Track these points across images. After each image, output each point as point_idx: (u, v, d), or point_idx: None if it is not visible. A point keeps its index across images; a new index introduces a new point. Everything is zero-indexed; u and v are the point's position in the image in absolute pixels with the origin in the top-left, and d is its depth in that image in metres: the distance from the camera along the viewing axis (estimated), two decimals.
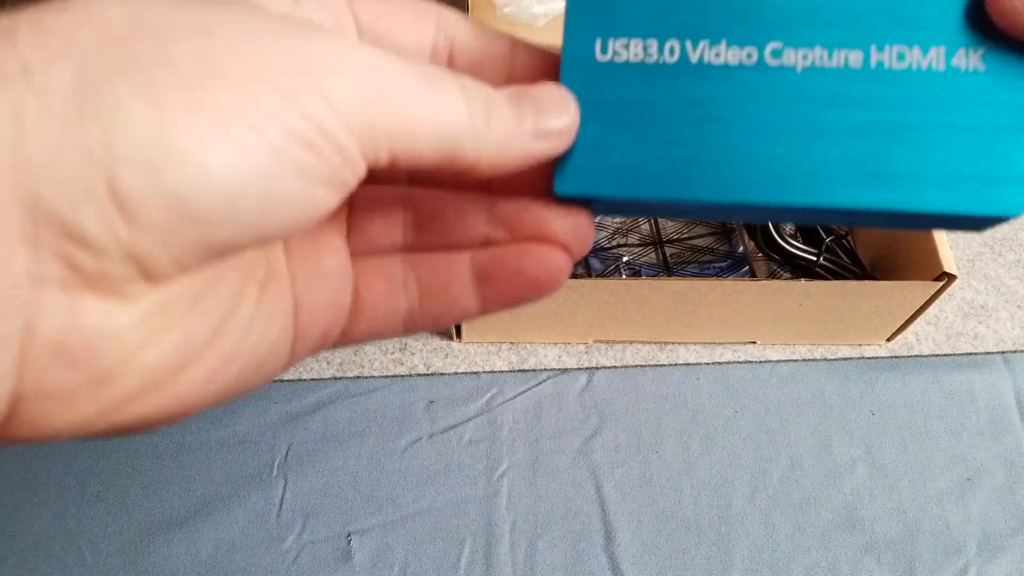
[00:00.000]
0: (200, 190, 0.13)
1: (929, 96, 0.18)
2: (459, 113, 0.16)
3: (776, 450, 0.40)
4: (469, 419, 0.40)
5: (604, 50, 0.19)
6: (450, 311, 0.20)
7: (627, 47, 0.19)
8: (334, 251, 0.20)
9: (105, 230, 0.13)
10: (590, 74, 0.19)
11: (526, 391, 0.41)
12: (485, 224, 0.21)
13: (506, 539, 0.37)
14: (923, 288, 0.37)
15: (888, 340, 0.42)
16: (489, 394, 0.41)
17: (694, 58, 0.19)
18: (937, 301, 0.38)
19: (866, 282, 0.37)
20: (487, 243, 0.21)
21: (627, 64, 0.19)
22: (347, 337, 0.20)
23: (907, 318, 0.40)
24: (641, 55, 0.19)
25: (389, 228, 0.21)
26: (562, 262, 0.20)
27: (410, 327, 0.20)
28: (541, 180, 0.19)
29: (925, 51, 0.18)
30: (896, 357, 0.42)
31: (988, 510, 0.39)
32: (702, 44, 0.19)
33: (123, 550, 0.37)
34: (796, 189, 0.18)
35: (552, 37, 0.42)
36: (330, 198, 0.15)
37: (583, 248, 0.20)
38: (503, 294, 0.20)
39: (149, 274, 0.14)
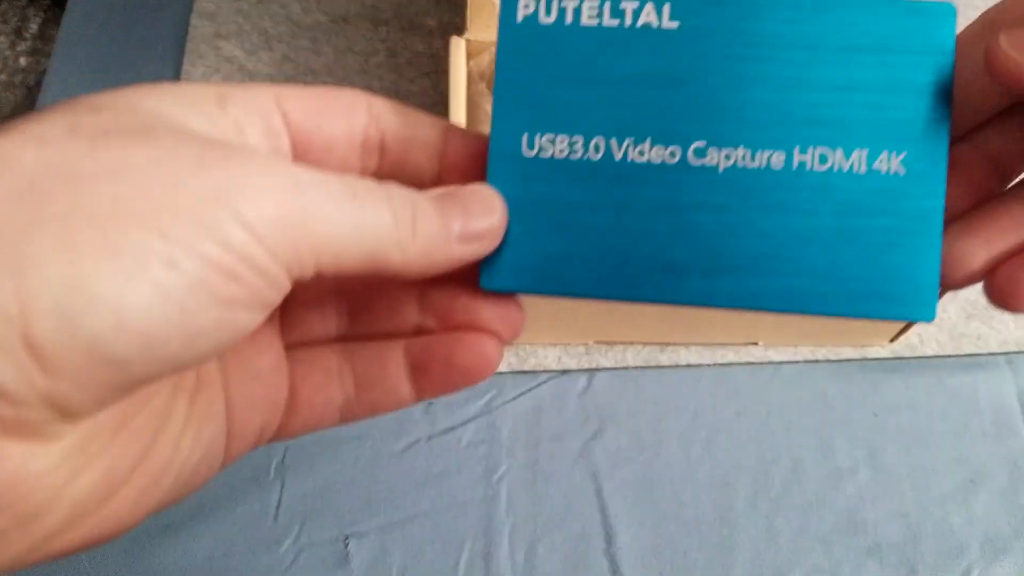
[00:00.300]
0: (117, 335, 0.13)
1: (849, 199, 0.18)
2: (385, 223, 0.16)
3: (778, 452, 0.39)
4: (468, 421, 0.40)
5: (531, 145, 0.19)
6: (385, 401, 0.20)
7: (553, 143, 0.19)
8: (268, 347, 0.20)
9: (22, 381, 0.13)
10: (517, 169, 0.19)
11: (526, 392, 0.40)
12: (417, 313, 0.21)
13: (505, 542, 0.37)
14: None
15: (891, 341, 0.42)
16: (488, 396, 0.40)
17: (618, 156, 0.19)
18: (940, 302, 0.38)
19: None
20: (420, 331, 0.21)
21: (553, 160, 0.19)
22: (283, 432, 0.20)
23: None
24: (567, 151, 0.19)
25: (323, 319, 0.21)
26: (492, 349, 0.20)
27: (346, 417, 0.20)
28: (470, 268, 0.19)
29: (848, 154, 0.18)
30: (899, 358, 0.42)
31: (991, 512, 0.38)
32: (627, 142, 0.19)
33: (119, 553, 0.36)
34: (710, 292, 0.19)
35: None
36: (254, 319, 0.15)
37: (513, 334, 0.20)
38: (436, 383, 0.20)
39: (69, 414, 0.14)
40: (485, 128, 0.20)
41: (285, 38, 0.50)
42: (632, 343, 0.42)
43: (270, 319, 0.20)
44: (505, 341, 0.20)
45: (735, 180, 0.18)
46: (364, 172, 0.20)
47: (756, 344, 0.42)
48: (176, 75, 0.49)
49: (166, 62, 0.49)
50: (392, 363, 0.20)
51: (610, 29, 0.19)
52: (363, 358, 0.20)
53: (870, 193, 0.18)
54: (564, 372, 0.41)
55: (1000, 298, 0.18)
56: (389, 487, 0.38)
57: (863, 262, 0.18)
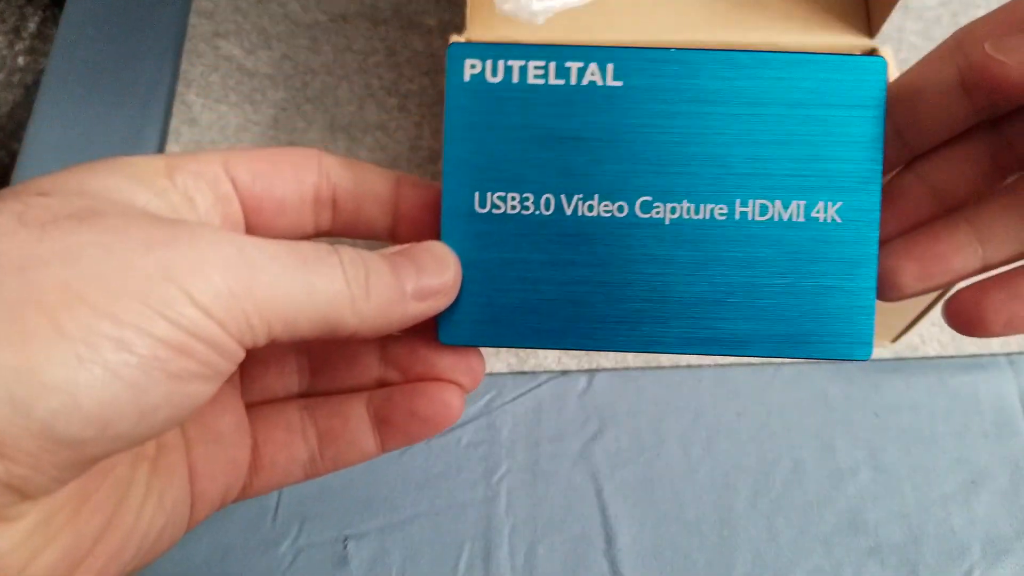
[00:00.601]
0: (71, 418, 0.13)
1: (789, 248, 0.19)
2: (337, 287, 0.16)
3: (779, 453, 0.39)
4: (467, 422, 0.39)
5: (483, 203, 0.20)
6: (350, 454, 0.21)
7: (504, 200, 0.20)
8: (228, 409, 0.20)
9: None
10: (470, 226, 0.20)
11: (525, 393, 0.40)
12: (378, 367, 0.21)
13: (505, 543, 0.37)
14: None
15: (892, 341, 0.42)
16: (488, 396, 0.40)
17: (568, 211, 0.19)
18: (942, 302, 0.38)
19: None
20: (382, 383, 0.21)
21: (505, 216, 0.20)
22: (248, 491, 0.20)
23: (912, 319, 0.39)
24: (518, 208, 0.20)
25: (284, 376, 0.22)
26: (454, 398, 0.20)
27: (311, 473, 0.21)
28: (430, 320, 0.20)
29: (786, 205, 0.19)
30: (900, 359, 0.42)
31: (993, 513, 0.38)
32: (576, 198, 0.19)
33: None
34: (661, 340, 0.20)
35: (551, 35, 0.41)
36: (208, 389, 0.15)
37: (474, 382, 0.21)
38: (400, 433, 0.20)
39: (28, 495, 0.14)
40: None
41: (284, 37, 0.50)
42: None
43: (230, 380, 0.20)
44: (467, 389, 0.21)
45: (681, 232, 0.19)
46: (318, 228, 0.21)
47: None
48: (175, 74, 0.48)
49: (164, 61, 0.49)
50: (355, 416, 0.21)
51: (556, 88, 0.19)
52: (325, 413, 0.21)
53: (809, 241, 0.19)
54: (564, 372, 0.41)
55: (958, 324, 0.19)
56: (388, 488, 0.38)
57: (804, 307, 0.19)
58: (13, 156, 0.52)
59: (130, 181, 0.17)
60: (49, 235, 0.14)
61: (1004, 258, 0.19)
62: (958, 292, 0.19)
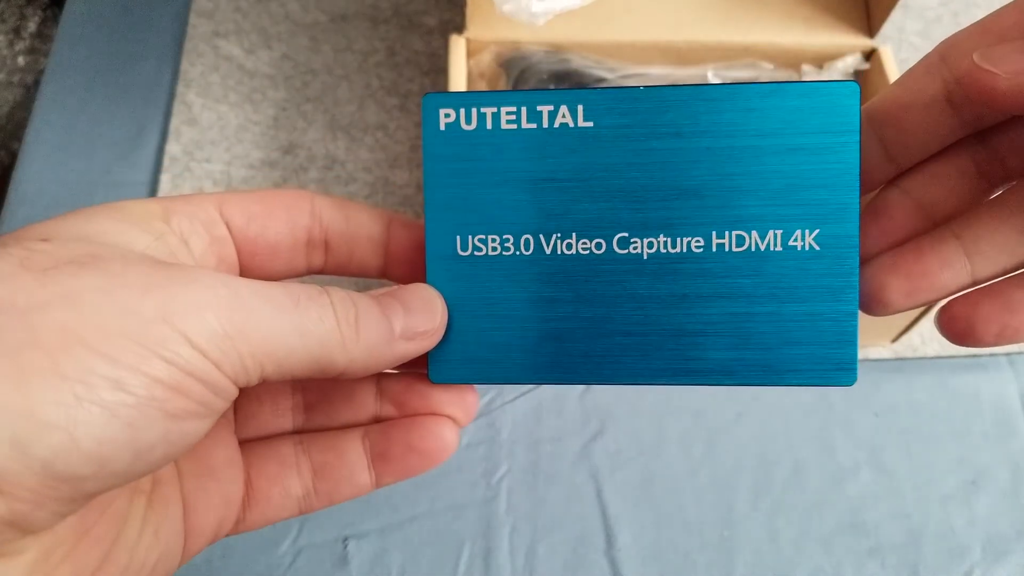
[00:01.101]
0: (69, 456, 0.13)
1: (768, 278, 0.19)
2: (328, 328, 0.17)
3: (779, 453, 0.39)
4: None
5: (464, 246, 0.20)
6: (345, 489, 0.21)
7: (485, 242, 0.20)
8: (221, 444, 0.20)
9: None
10: (453, 268, 0.20)
11: (526, 393, 0.40)
12: (374, 402, 0.22)
13: (505, 543, 0.37)
14: None
15: (892, 341, 0.42)
16: (488, 396, 0.40)
17: (548, 250, 0.20)
18: (935, 311, 0.38)
19: None
20: (377, 419, 0.22)
21: (487, 257, 0.20)
22: (241, 525, 0.21)
23: (912, 319, 0.39)
24: (499, 249, 0.20)
25: (278, 413, 0.22)
26: (449, 433, 0.21)
27: (305, 508, 0.21)
28: (425, 356, 0.20)
29: (763, 235, 0.19)
30: (901, 359, 0.42)
31: (993, 513, 0.38)
32: (554, 237, 0.20)
33: None
34: (644, 373, 0.20)
35: (551, 35, 0.41)
36: (203, 426, 0.16)
37: (468, 416, 0.21)
38: (396, 468, 0.21)
39: (29, 531, 0.14)
40: None
41: (284, 37, 0.50)
42: None
43: (224, 416, 0.21)
44: (461, 424, 0.21)
45: (659, 266, 0.20)
46: (311, 269, 0.21)
47: None
48: (175, 74, 0.48)
49: (164, 61, 0.49)
50: (350, 451, 0.21)
51: (529, 131, 0.20)
52: (320, 448, 0.21)
53: (788, 270, 0.20)
54: None
55: (951, 335, 0.19)
56: (388, 488, 0.38)
57: (786, 335, 0.20)
58: (13, 156, 0.52)
59: (127, 225, 0.17)
60: (51, 279, 0.15)
61: (993, 272, 0.19)
62: (950, 303, 0.19)
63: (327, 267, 0.21)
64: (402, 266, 0.21)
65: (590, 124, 0.19)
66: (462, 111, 0.20)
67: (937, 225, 0.20)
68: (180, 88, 0.48)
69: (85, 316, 0.14)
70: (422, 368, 0.21)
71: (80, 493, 0.14)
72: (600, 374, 0.20)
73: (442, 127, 0.20)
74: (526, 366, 0.20)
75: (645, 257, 0.20)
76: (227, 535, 0.20)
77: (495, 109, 0.20)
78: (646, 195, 0.20)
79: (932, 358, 0.42)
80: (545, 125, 0.20)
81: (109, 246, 0.16)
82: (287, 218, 0.20)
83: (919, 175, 0.20)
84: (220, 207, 0.19)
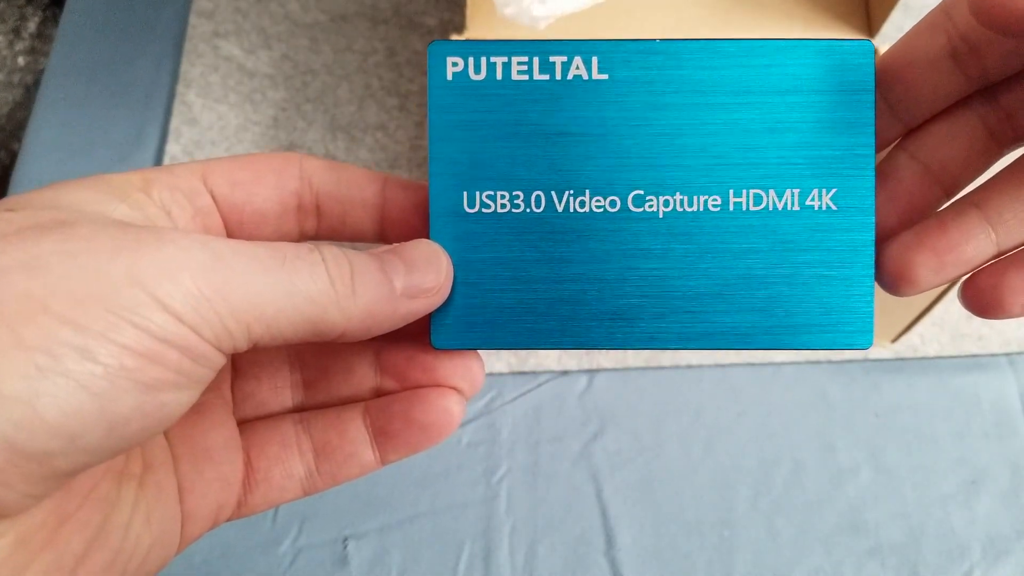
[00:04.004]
0: (34, 430, 0.13)
1: (785, 237, 0.19)
2: (321, 286, 0.16)
3: (779, 453, 0.39)
4: (468, 422, 0.39)
5: (471, 202, 0.19)
6: (349, 468, 0.20)
7: (493, 199, 0.19)
8: (218, 425, 0.20)
9: None
10: (459, 226, 0.19)
11: (526, 393, 0.40)
12: (373, 375, 0.21)
13: (505, 543, 0.37)
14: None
15: (893, 341, 0.42)
16: (488, 396, 0.40)
17: (560, 208, 0.19)
18: (942, 302, 0.38)
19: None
20: (379, 393, 0.21)
21: (495, 215, 0.19)
22: (243, 509, 0.20)
23: (912, 319, 0.39)
24: (508, 206, 0.19)
25: (277, 390, 0.21)
26: (453, 404, 0.20)
27: (309, 489, 0.20)
28: (425, 324, 0.19)
29: (780, 194, 0.19)
30: (901, 359, 0.42)
31: (993, 513, 0.38)
32: (567, 194, 0.19)
33: None
34: (659, 336, 0.19)
35: (552, 38, 0.41)
36: (185, 398, 0.15)
37: (474, 387, 0.20)
38: (399, 443, 0.20)
39: (1, 513, 0.13)
40: None
41: (284, 37, 0.50)
42: None
43: (220, 395, 0.20)
44: (467, 395, 0.20)
45: (675, 225, 0.19)
46: (303, 236, 0.20)
47: None
48: (175, 74, 0.48)
49: (164, 61, 0.49)
50: (352, 428, 0.20)
51: (541, 83, 0.19)
52: (321, 426, 0.20)
53: (804, 230, 0.19)
54: (564, 373, 0.41)
55: (976, 307, 0.18)
56: (388, 488, 0.38)
57: (802, 297, 0.19)
58: (13, 156, 0.52)
59: (103, 195, 0.16)
60: (12, 245, 0.14)
61: (1017, 241, 0.18)
62: (975, 275, 0.18)
63: (320, 233, 0.20)
64: (399, 229, 0.20)
65: (604, 77, 0.19)
66: (471, 60, 0.19)
67: (946, 189, 0.19)
68: (180, 88, 0.48)
69: (48, 282, 0.13)
70: (425, 337, 0.20)
71: (51, 471, 0.13)
72: (613, 339, 0.19)
73: (449, 77, 0.19)
74: (535, 330, 0.19)
75: (661, 216, 0.19)
76: (228, 520, 0.20)
77: (506, 59, 0.19)
78: (662, 152, 0.19)
79: (932, 358, 0.42)
80: (558, 77, 0.19)
81: (80, 213, 0.15)
82: (275, 183, 0.19)
83: (926, 137, 0.20)
84: (203, 176, 0.18)
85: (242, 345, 0.15)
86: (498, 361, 0.41)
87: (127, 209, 0.17)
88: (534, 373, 0.41)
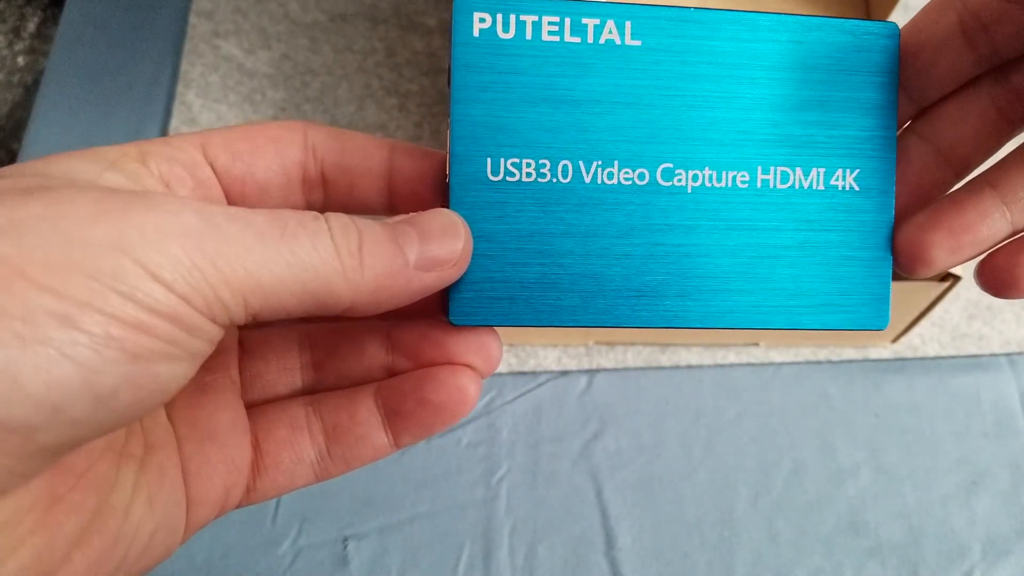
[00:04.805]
0: (14, 402, 0.12)
1: (808, 216, 0.19)
2: (324, 256, 0.15)
3: (779, 453, 0.39)
4: (468, 422, 0.39)
5: (495, 170, 0.18)
6: (361, 451, 0.19)
7: (519, 167, 0.18)
8: (224, 406, 0.19)
9: None
10: (482, 195, 0.18)
11: (525, 393, 0.40)
12: (385, 355, 0.20)
13: (505, 544, 0.37)
14: (928, 289, 0.37)
15: (893, 342, 0.42)
16: (488, 396, 0.40)
17: (587, 179, 0.19)
18: (942, 302, 0.38)
19: None
20: (392, 373, 0.20)
21: (520, 184, 0.18)
22: (253, 494, 0.19)
23: (912, 320, 0.39)
24: (534, 175, 0.18)
25: (286, 371, 0.20)
26: (468, 383, 0.19)
27: (321, 474, 0.19)
28: (438, 300, 0.18)
29: (807, 172, 0.19)
30: (901, 359, 0.42)
31: (993, 513, 0.38)
32: (595, 164, 0.18)
33: None
34: (683, 314, 0.19)
35: None
36: (181, 371, 0.14)
37: (491, 365, 0.19)
38: (412, 425, 0.19)
39: None
40: None
41: (284, 37, 0.50)
42: (633, 343, 0.42)
43: (227, 376, 0.19)
44: (483, 374, 0.19)
45: (703, 200, 0.19)
46: (311, 207, 0.19)
47: (757, 345, 0.42)
48: (174, 74, 0.48)
49: (164, 61, 0.49)
50: (362, 409, 0.19)
51: (572, 46, 0.18)
52: (331, 407, 0.19)
53: (827, 210, 0.19)
54: (564, 373, 0.41)
55: (992, 287, 0.18)
56: (388, 488, 0.38)
57: (822, 277, 0.19)
58: (13, 156, 0.52)
59: (97, 165, 0.16)
60: None
61: None
62: (991, 255, 0.18)
63: (329, 205, 0.19)
64: (408, 200, 0.19)
65: (638, 43, 0.18)
66: (499, 16, 0.18)
67: (955, 170, 0.19)
68: (180, 88, 0.48)
69: (26, 247, 0.13)
70: (438, 314, 0.19)
71: (36, 447, 0.13)
72: (637, 316, 0.19)
73: (476, 33, 0.18)
74: (558, 307, 0.18)
75: (689, 191, 0.19)
76: (237, 506, 0.19)
77: (536, 17, 0.18)
78: (692, 124, 0.19)
79: (932, 358, 0.42)
80: (590, 40, 0.18)
81: (66, 180, 0.15)
82: (276, 153, 0.18)
83: (936, 118, 0.20)
84: (203, 147, 0.18)
85: (240, 318, 0.15)
86: None
87: (123, 179, 0.16)
88: (534, 373, 0.41)
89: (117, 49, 0.50)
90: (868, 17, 0.43)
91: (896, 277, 0.20)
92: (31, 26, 0.59)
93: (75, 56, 0.49)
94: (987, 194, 0.18)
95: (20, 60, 0.59)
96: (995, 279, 0.18)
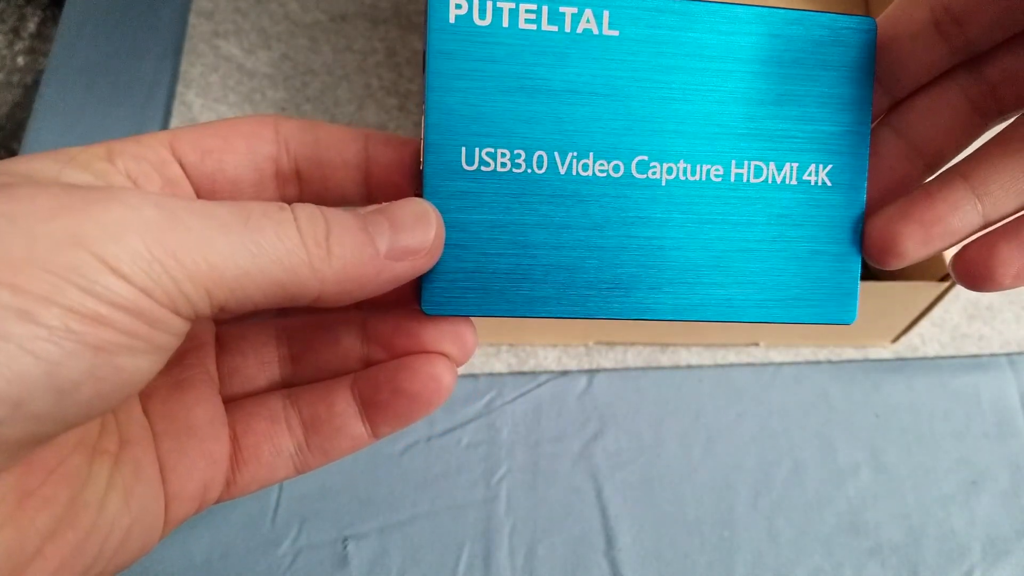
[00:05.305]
0: None
1: (781, 211, 0.19)
2: (289, 246, 0.15)
3: (779, 453, 0.39)
4: (468, 422, 0.39)
5: (470, 159, 0.18)
6: (339, 442, 0.19)
7: (494, 156, 0.18)
8: (201, 400, 0.19)
9: None
10: (456, 185, 0.18)
11: (525, 393, 0.40)
12: (361, 345, 0.20)
13: (505, 544, 0.37)
14: (928, 289, 0.37)
15: (893, 342, 0.42)
16: (488, 397, 0.40)
17: (562, 170, 0.18)
18: (942, 302, 0.38)
19: (871, 283, 0.37)
20: (368, 363, 0.20)
21: (495, 174, 0.18)
22: (233, 488, 0.19)
23: (912, 320, 0.39)
24: (509, 165, 0.18)
25: (264, 366, 0.20)
26: (443, 371, 0.19)
27: (301, 467, 0.20)
28: (411, 288, 0.18)
29: (780, 167, 0.19)
30: (901, 359, 0.42)
31: (993, 513, 0.38)
32: (570, 156, 0.18)
33: None
34: (655, 306, 0.19)
35: None
36: (145, 364, 0.14)
37: (465, 353, 0.19)
38: (389, 415, 0.19)
39: None
40: None
41: (284, 37, 0.50)
42: (633, 343, 0.42)
43: (204, 371, 0.19)
44: (458, 362, 0.19)
45: (677, 193, 0.19)
46: (286, 202, 0.19)
47: (757, 345, 0.42)
48: (174, 74, 0.48)
49: (164, 61, 0.49)
50: (339, 400, 0.19)
51: (549, 34, 0.18)
52: (309, 400, 0.20)
53: (799, 204, 0.19)
54: (564, 373, 0.41)
55: (967, 280, 0.18)
56: (388, 488, 0.38)
57: (793, 271, 0.19)
58: (12, 156, 0.52)
59: (62, 164, 0.16)
60: None
61: (1004, 212, 0.18)
62: (965, 247, 0.18)
63: (304, 198, 0.19)
64: (386, 190, 0.19)
65: (615, 33, 0.18)
66: (476, 3, 0.18)
67: (928, 164, 0.19)
68: (180, 88, 0.48)
69: None
70: (413, 303, 0.19)
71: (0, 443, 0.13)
72: (609, 308, 0.19)
73: (452, 19, 0.18)
74: (532, 297, 0.18)
75: (663, 184, 0.19)
76: (218, 501, 0.19)
77: (513, 5, 0.18)
78: (668, 116, 0.19)
79: (932, 358, 0.42)
80: (567, 29, 0.18)
81: (27, 178, 0.15)
82: (247, 149, 0.18)
83: (909, 111, 0.20)
84: (171, 145, 0.18)
85: (205, 310, 0.14)
86: (498, 361, 0.41)
87: (88, 177, 0.16)
88: (534, 373, 0.41)
89: (117, 49, 0.50)
90: (868, 13, 0.43)
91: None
92: (31, 26, 0.59)
93: (75, 56, 0.49)
94: (959, 186, 0.18)
95: (20, 60, 0.59)
96: (969, 272, 0.18)
